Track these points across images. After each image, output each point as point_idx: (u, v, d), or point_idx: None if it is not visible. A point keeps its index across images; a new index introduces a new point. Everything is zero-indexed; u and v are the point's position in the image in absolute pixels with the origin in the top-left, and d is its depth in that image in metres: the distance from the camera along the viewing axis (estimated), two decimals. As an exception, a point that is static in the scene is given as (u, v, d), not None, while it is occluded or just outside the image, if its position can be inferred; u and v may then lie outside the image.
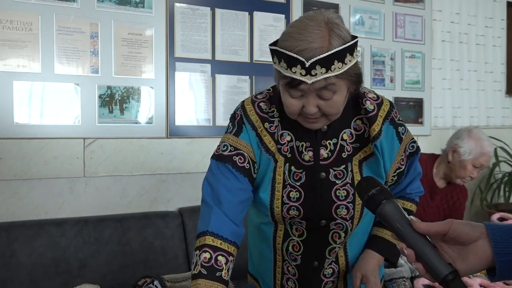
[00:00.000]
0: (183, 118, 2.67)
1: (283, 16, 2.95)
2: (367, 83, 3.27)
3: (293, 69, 1.03)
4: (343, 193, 1.19)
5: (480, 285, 1.60)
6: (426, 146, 3.58)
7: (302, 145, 1.19)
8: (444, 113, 3.67)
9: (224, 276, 1.10)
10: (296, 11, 3.00)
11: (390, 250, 1.29)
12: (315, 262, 1.25)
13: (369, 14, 3.29)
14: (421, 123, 3.51)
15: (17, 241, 2.17)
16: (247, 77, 2.83)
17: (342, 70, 1.04)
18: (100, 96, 2.46)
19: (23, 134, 2.31)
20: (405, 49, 3.43)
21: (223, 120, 2.75)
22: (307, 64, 1.01)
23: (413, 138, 1.28)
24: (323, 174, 1.18)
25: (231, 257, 1.13)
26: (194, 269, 1.10)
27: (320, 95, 1.06)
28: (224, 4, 2.77)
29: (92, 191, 2.48)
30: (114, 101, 2.49)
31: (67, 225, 2.29)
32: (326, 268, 1.28)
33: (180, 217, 2.55)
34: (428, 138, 3.57)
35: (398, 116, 1.24)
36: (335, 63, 1.02)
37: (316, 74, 1.02)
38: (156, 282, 1.62)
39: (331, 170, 1.18)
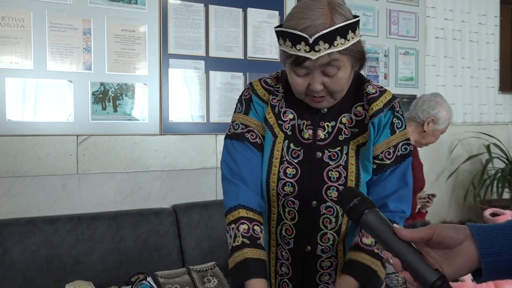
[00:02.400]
0: (177, 115, 2.66)
1: (277, 12, 2.95)
2: (361, 79, 3.28)
3: (298, 47, 1.07)
4: (335, 174, 1.19)
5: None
6: (420, 143, 3.59)
7: (303, 123, 1.23)
8: (438, 109, 3.68)
9: (262, 243, 1.19)
10: (290, 8, 2.99)
11: (370, 278, 1.16)
12: (307, 246, 1.24)
13: (363, 10, 3.29)
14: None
15: (10, 239, 2.16)
16: (241, 73, 2.83)
17: (345, 46, 1.07)
18: (93, 93, 2.45)
19: (16, 131, 2.30)
20: (399, 46, 3.44)
21: (217, 117, 2.74)
22: (311, 40, 1.05)
23: (408, 139, 1.24)
24: (319, 154, 1.21)
25: (262, 226, 1.22)
26: (234, 241, 1.16)
27: (324, 71, 1.10)
28: (217, 0, 2.76)
29: (85, 188, 2.48)
30: (107, 98, 2.48)
31: (60, 223, 2.28)
32: (324, 260, 1.25)
33: (174, 214, 2.55)
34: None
35: (399, 109, 1.22)
36: (337, 39, 1.06)
37: (319, 50, 1.06)
38: (149, 278, 1.62)
39: (326, 151, 1.21)
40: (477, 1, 3.85)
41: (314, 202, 1.20)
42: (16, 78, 2.29)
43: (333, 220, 1.21)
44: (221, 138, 2.71)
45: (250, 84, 1.30)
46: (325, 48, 1.06)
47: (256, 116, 1.27)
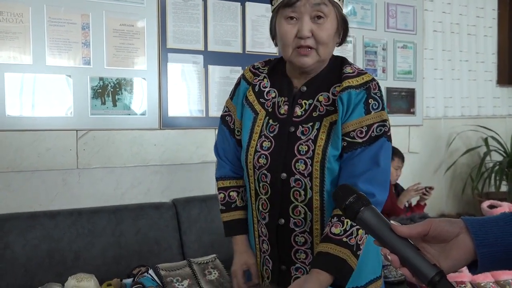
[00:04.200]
0: (176, 109, 2.67)
1: None
2: (359, 73, 3.28)
3: None
4: (304, 148, 1.23)
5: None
6: (419, 136, 3.62)
7: (281, 100, 1.30)
8: (436, 103, 3.70)
9: (239, 204, 1.42)
10: (288, 2, 3.00)
11: (340, 269, 1.12)
12: (281, 219, 1.27)
13: (361, 4, 3.29)
14: (413, 113, 3.53)
15: (11, 233, 2.17)
16: (240, 67, 2.84)
17: None
18: (92, 88, 2.45)
19: (16, 126, 2.31)
20: (397, 39, 3.45)
21: (216, 111, 2.75)
22: None
23: (385, 121, 1.22)
24: (292, 128, 1.26)
25: (241, 188, 1.43)
26: (219, 207, 1.45)
27: (314, 15, 1.18)
28: (216, -6, 2.76)
29: (85, 182, 2.48)
30: (106, 92, 2.49)
31: (60, 217, 2.29)
32: (298, 235, 1.27)
33: (174, 207, 2.56)
34: (420, 128, 3.60)
35: (377, 91, 1.23)
36: None
37: None
38: (150, 271, 1.64)
39: (300, 126, 1.25)
40: (475, -6, 3.85)
41: (284, 174, 1.25)
42: (15, 73, 2.29)
43: (302, 193, 1.24)
44: (220, 132, 2.72)
45: (244, 70, 1.42)
46: None
47: (236, 101, 1.40)
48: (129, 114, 2.55)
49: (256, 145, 1.30)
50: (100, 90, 2.47)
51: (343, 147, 1.21)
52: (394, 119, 3.39)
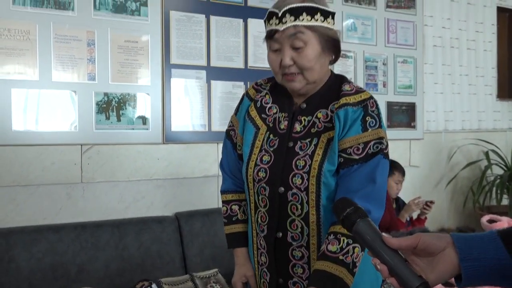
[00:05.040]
0: (179, 124, 2.70)
1: (335, 12, 3.01)
2: (360, 88, 3.32)
3: (270, 22, 1.25)
4: (302, 163, 1.26)
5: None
6: (419, 150, 3.64)
7: (282, 115, 1.35)
8: (437, 117, 3.73)
9: (240, 217, 1.46)
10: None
11: (337, 285, 1.15)
12: (278, 232, 1.30)
13: (361, 20, 3.34)
14: (414, 127, 3.56)
15: (16, 247, 2.20)
16: (242, 83, 2.88)
17: (311, 23, 1.22)
18: (97, 103, 2.49)
19: (21, 141, 2.34)
20: (397, 54, 3.49)
21: (218, 126, 2.79)
22: (279, 14, 1.22)
23: (382, 138, 1.23)
24: (291, 143, 1.30)
25: (243, 202, 1.47)
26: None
27: (293, 45, 1.23)
28: (218, 11, 2.81)
29: (89, 196, 2.51)
30: (111, 107, 2.53)
31: (65, 231, 2.32)
32: (295, 249, 1.29)
33: (177, 221, 2.59)
34: (421, 142, 3.63)
35: (375, 109, 1.25)
36: (303, 15, 1.21)
37: (286, 21, 1.22)
38: (153, 285, 1.66)
39: (298, 141, 1.29)
40: (474, 9, 3.90)
41: (282, 188, 1.28)
42: (22, 89, 2.34)
43: (299, 207, 1.27)
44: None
45: (248, 88, 1.48)
46: (291, 20, 1.21)
47: (240, 116, 1.44)
48: (133, 129, 2.59)
49: (257, 158, 1.34)
50: (104, 105, 2.51)
51: (340, 163, 1.24)
52: (395, 133, 3.42)
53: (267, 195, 1.31)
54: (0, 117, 2.29)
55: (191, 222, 2.59)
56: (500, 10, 4.07)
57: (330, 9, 1.26)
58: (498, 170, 3.82)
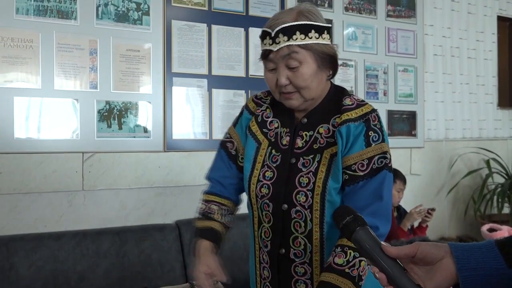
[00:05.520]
0: (180, 132, 2.71)
1: (330, 26, 3.04)
2: (360, 96, 3.33)
3: (264, 41, 1.23)
4: (305, 180, 1.24)
5: None
6: (420, 158, 3.64)
7: (283, 131, 1.33)
8: (437, 125, 3.74)
9: (217, 218, 1.38)
10: (291, 27, 3.07)
11: None
12: (282, 249, 1.29)
13: (362, 29, 3.36)
14: (415, 135, 3.57)
15: (16, 255, 2.20)
16: (243, 91, 2.89)
17: (304, 42, 1.19)
18: (98, 111, 2.51)
19: (23, 148, 2.35)
20: (398, 63, 3.51)
21: (219, 134, 2.79)
22: (273, 34, 1.20)
23: (385, 152, 1.23)
24: (293, 160, 1.28)
25: (224, 206, 1.41)
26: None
27: (287, 64, 1.21)
28: (220, 20, 2.83)
29: (90, 204, 2.52)
30: (112, 115, 2.54)
31: (65, 238, 2.32)
32: (298, 266, 1.28)
33: (177, 229, 2.59)
34: (422, 150, 3.63)
35: (377, 123, 1.24)
36: (297, 34, 1.19)
37: (279, 42, 1.19)
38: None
39: (301, 158, 1.27)
40: (474, 18, 3.92)
41: (285, 205, 1.27)
42: (24, 97, 2.35)
43: (302, 224, 1.25)
44: (223, 154, 2.76)
45: (247, 100, 1.45)
46: (284, 40, 1.18)
47: (239, 129, 1.42)
48: (134, 137, 2.60)
49: (259, 174, 1.31)
50: (106, 114, 2.53)
51: (345, 180, 1.22)
52: (395, 141, 3.43)
53: (270, 211, 1.29)
54: (2, 125, 2.30)
55: (192, 230, 2.59)
56: (501, 19, 4.09)
57: (325, 24, 1.23)
58: (499, 179, 3.82)
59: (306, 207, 1.24)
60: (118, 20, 2.56)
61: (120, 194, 2.59)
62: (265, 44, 1.23)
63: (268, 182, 1.29)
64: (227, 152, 1.43)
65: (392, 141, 3.43)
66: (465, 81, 3.87)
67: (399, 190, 3.02)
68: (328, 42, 1.23)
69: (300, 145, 1.29)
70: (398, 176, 3.01)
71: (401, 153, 3.51)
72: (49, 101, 2.41)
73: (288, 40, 1.18)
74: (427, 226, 3.11)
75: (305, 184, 1.24)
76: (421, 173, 3.65)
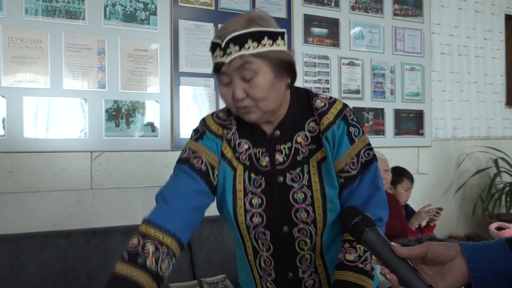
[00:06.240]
0: (187, 131, 2.73)
1: (284, 31, 3.01)
2: (367, 95, 3.34)
3: (215, 54, 1.12)
4: (301, 195, 1.18)
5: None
6: (428, 157, 3.63)
7: (259, 151, 1.22)
8: (445, 124, 3.73)
9: (150, 265, 1.07)
10: (297, 26, 3.08)
11: None
12: (289, 273, 1.24)
13: (368, 28, 3.36)
14: (422, 134, 3.56)
15: (26, 252, 2.22)
16: (250, 90, 2.90)
17: (258, 50, 1.09)
18: (107, 110, 2.53)
19: (33, 148, 2.38)
20: (405, 62, 3.50)
21: (226, 133, 2.80)
22: (223, 44, 1.09)
23: (369, 144, 1.22)
24: (281, 178, 1.20)
25: (164, 248, 1.10)
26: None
27: (242, 76, 1.10)
28: (226, 20, 2.83)
29: (99, 203, 2.54)
30: (120, 115, 2.56)
31: (75, 237, 2.34)
32: (307, 280, 1.25)
33: (185, 228, 2.59)
34: (429, 149, 3.62)
35: (353, 116, 1.21)
36: (249, 42, 1.08)
37: (230, 52, 1.08)
38: (162, 290, 1.66)
39: (287, 173, 1.20)
40: (482, 17, 3.90)
41: (285, 227, 1.20)
42: (33, 97, 2.38)
43: (308, 241, 1.21)
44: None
45: (203, 119, 1.28)
46: (235, 50, 1.08)
47: (208, 145, 1.23)
48: (142, 136, 2.61)
49: (244, 204, 1.20)
50: (114, 113, 2.54)
51: (342, 184, 1.20)
52: (403, 140, 3.43)
53: (268, 239, 1.21)
54: (12, 125, 2.33)
55: (199, 228, 2.60)
56: (508, 18, 4.06)
57: (279, 29, 1.13)
58: (507, 178, 3.79)
59: (310, 222, 1.18)
60: (125, 20, 2.58)
61: (128, 193, 2.61)
62: (215, 57, 1.12)
63: (259, 210, 1.20)
64: (193, 168, 1.20)
65: (399, 140, 3.45)
66: (472, 80, 3.86)
67: (406, 189, 3.01)
68: (284, 49, 1.14)
69: (281, 160, 1.20)
70: (406, 174, 3.00)
71: (408, 152, 3.50)
72: (58, 100, 2.43)
73: (240, 49, 1.08)
74: (435, 225, 3.10)
75: (301, 200, 1.18)
76: (429, 172, 3.64)
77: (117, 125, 2.55)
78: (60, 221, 2.45)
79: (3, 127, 2.33)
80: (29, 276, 2.20)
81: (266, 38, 1.09)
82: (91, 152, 2.51)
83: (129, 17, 2.59)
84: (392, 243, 0.82)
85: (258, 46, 1.09)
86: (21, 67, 2.35)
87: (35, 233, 2.31)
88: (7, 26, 2.32)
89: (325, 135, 1.17)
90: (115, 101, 2.55)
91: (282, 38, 1.13)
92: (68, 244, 2.31)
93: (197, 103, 2.77)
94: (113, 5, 2.55)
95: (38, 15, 2.38)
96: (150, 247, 1.09)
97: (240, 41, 1.08)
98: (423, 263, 0.81)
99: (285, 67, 1.14)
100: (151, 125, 2.64)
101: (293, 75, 1.17)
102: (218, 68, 1.12)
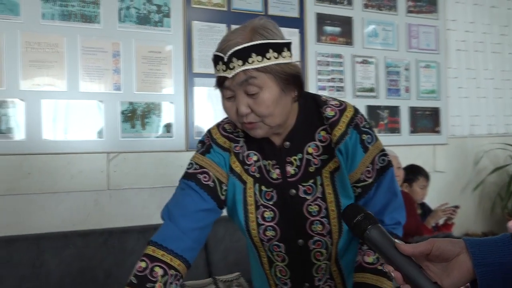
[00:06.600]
0: (202, 132, 2.75)
1: (297, 30, 3.03)
2: (382, 93, 3.32)
3: (217, 67, 1.07)
4: (315, 208, 1.16)
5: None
6: (444, 155, 3.59)
7: (269, 164, 1.18)
8: (462, 121, 3.69)
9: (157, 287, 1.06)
10: (310, 26, 3.08)
11: None
12: (305, 283, 1.23)
13: (382, 25, 3.34)
14: (438, 132, 3.53)
15: (46, 252, 2.27)
16: (264, 90, 2.91)
17: (262, 64, 1.03)
18: (122, 112, 2.57)
19: (51, 149, 2.42)
20: (420, 59, 3.47)
21: (240, 133, 2.82)
22: (225, 58, 1.04)
23: (383, 150, 1.18)
24: (293, 191, 1.17)
25: (172, 271, 1.09)
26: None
27: (246, 91, 1.05)
28: (239, 20, 2.84)
29: (116, 203, 2.58)
30: (136, 116, 2.60)
31: (92, 236, 2.38)
32: (323, 287, 1.24)
33: (201, 227, 2.62)
34: (446, 147, 3.58)
35: (365, 123, 1.17)
36: (253, 56, 1.03)
37: (234, 67, 1.04)
38: (177, 288, 1.68)
39: (300, 186, 1.16)
40: (498, 12, 3.85)
41: (301, 240, 1.18)
42: (51, 100, 2.43)
43: (324, 252, 1.19)
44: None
45: (209, 131, 1.25)
46: (239, 65, 1.03)
47: (216, 159, 1.20)
48: (157, 137, 2.65)
49: (257, 217, 1.18)
50: (130, 114, 2.58)
51: (359, 194, 1.17)
52: (418, 138, 3.40)
53: (283, 251, 1.20)
54: (31, 127, 2.38)
55: (215, 228, 2.57)
56: (526, 13, 4.00)
57: (285, 40, 1.08)
58: (526, 175, 3.74)
59: (325, 234, 1.16)
60: (139, 23, 2.61)
61: (144, 193, 2.64)
62: (218, 70, 1.07)
63: (272, 223, 1.18)
64: (200, 184, 1.17)
65: (415, 138, 3.42)
66: (489, 76, 3.81)
67: (422, 187, 2.99)
68: (290, 61, 1.08)
69: (293, 172, 1.17)
70: (421, 172, 2.98)
71: (424, 150, 3.47)
72: (75, 103, 2.47)
73: (243, 64, 1.03)
74: (453, 223, 3.07)
75: (316, 212, 1.16)
76: (446, 170, 3.60)
77: (133, 126, 2.59)
78: (78, 221, 2.49)
79: (23, 130, 2.37)
80: (49, 275, 2.24)
81: (270, 50, 1.04)
82: (108, 153, 2.55)
83: (143, 20, 2.62)
84: (396, 240, 0.81)
85: (262, 60, 1.03)
86: (39, 70, 2.40)
87: (54, 233, 2.35)
88: (25, 31, 2.37)
89: (338, 147, 1.13)
90: (131, 103, 2.59)
91: (288, 49, 1.08)
92: (86, 244, 2.35)
93: (211, 103, 2.79)
94: (127, 8, 2.58)
95: (55, 20, 2.43)
96: (159, 271, 1.08)
97: (243, 55, 1.03)
98: (428, 260, 0.80)
99: (291, 80, 1.08)
100: (166, 126, 2.67)
101: (300, 87, 1.12)
102: (221, 83, 1.07)
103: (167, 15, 2.68)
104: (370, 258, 1.15)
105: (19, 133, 2.36)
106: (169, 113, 2.68)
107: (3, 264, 2.18)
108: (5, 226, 2.35)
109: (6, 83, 2.33)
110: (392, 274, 0.79)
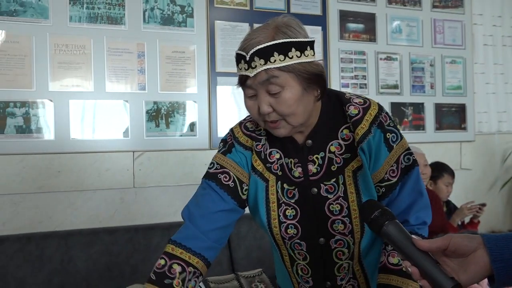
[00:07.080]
0: (225, 130, 2.76)
1: (319, 28, 3.03)
2: (406, 90, 3.29)
3: (240, 66, 1.07)
4: (337, 207, 1.15)
5: None
6: (471, 152, 3.53)
7: (291, 162, 1.18)
8: (489, 118, 3.61)
9: (176, 286, 1.08)
10: (333, 23, 3.07)
11: None
12: (327, 282, 1.23)
13: (406, 21, 3.31)
14: (465, 128, 3.47)
15: (74, 248, 2.34)
16: (286, 88, 2.92)
17: (284, 64, 1.03)
18: (147, 111, 2.62)
19: (79, 148, 2.50)
20: (445, 55, 3.42)
21: (263, 131, 2.84)
22: (247, 57, 1.03)
23: (408, 149, 1.16)
24: (315, 189, 1.16)
25: (190, 268, 1.11)
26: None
27: (268, 90, 1.05)
28: (261, 19, 2.87)
29: (141, 201, 2.63)
30: (160, 115, 2.64)
31: (119, 233, 2.44)
32: (346, 286, 1.23)
33: (224, 225, 2.65)
34: (472, 144, 3.52)
35: (389, 121, 1.15)
36: (275, 55, 1.02)
37: (255, 66, 1.03)
38: (201, 283, 1.72)
39: (322, 185, 1.16)
40: (527, 5, 3.76)
41: (322, 239, 1.18)
42: (79, 100, 2.49)
43: (346, 251, 1.19)
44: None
45: (231, 130, 1.26)
46: (260, 64, 1.02)
47: (237, 159, 1.21)
48: (181, 136, 2.69)
49: (278, 215, 1.18)
50: (154, 114, 2.63)
51: (382, 193, 1.16)
52: (444, 135, 3.35)
53: (304, 249, 1.20)
54: (60, 127, 2.45)
55: (238, 225, 2.63)
56: (556, 5, 3.89)
57: (307, 38, 1.07)
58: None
59: (347, 233, 1.16)
60: (163, 24, 2.66)
61: (169, 191, 2.69)
62: (240, 69, 1.07)
63: (293, 221, 1.18)
64: (221, 185, 1.18)
65: (441, 135, 3.38)
66: (518, 71, 3.72)
67: (447, 184, 2.95)
68: (312, 59, 1.07)
69: (315, 170, 1.16)
70: (446, 169, 2.94)
71: (450, 147, 3.42)
72: (102, 103, 2.54)
73: (265, 63, 1.02)
74: (479, 221, 3.03)
75: (337, 211, 1.15)
76: (472, 168, 3.54)
77: (157, 125, 2.64)
78: (105, 218, 2.56)
79: (52, 130, 2.45)
80: (77, 270, 2.31)
81: (293, 49, 1.03)
82: (133, 152, 2.61)
83: (167, 21, 2.67)
84: (413, 236, 0.82)
85: (284, 59, 1.03)
86: (67, 72, 2.47)
87: (82, 230, 2.43)
88: (53, 34, 2.44)
89: (361, 146, 1.12)
90: (155, 102, 2.64)
91: (311, 48, 1.07)
92: (113, 240, 2.41)
93: (235, 102, 2.82)
94: (152, 9, 2.63)
95: (82, 22, 2.50)
96: (177, 268, 1.10)
97: (265, 54, 1.02)
98: (445, 256, 0.80)
99: (313, 79, 1.07)
100: (190, 125, 2.71)
101: (322, 86, 1.11)
102: (243, 81, 1.07)
103: (191, 15, 2.71)
104: (395, 259, 1.13)
105: (48, 133, 2.44)
106: (192, 112, 2.72)
107: (35, 259, 2.26)
108: (38, 223, 2.43)
109: (36, 84, 2.41)
110: (409, 269, 0.80)
